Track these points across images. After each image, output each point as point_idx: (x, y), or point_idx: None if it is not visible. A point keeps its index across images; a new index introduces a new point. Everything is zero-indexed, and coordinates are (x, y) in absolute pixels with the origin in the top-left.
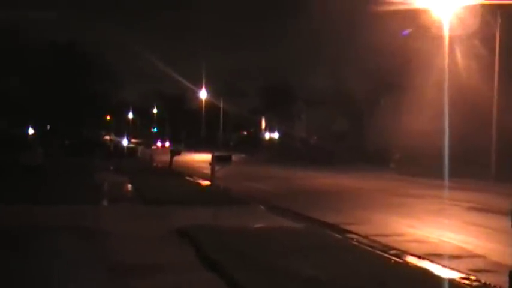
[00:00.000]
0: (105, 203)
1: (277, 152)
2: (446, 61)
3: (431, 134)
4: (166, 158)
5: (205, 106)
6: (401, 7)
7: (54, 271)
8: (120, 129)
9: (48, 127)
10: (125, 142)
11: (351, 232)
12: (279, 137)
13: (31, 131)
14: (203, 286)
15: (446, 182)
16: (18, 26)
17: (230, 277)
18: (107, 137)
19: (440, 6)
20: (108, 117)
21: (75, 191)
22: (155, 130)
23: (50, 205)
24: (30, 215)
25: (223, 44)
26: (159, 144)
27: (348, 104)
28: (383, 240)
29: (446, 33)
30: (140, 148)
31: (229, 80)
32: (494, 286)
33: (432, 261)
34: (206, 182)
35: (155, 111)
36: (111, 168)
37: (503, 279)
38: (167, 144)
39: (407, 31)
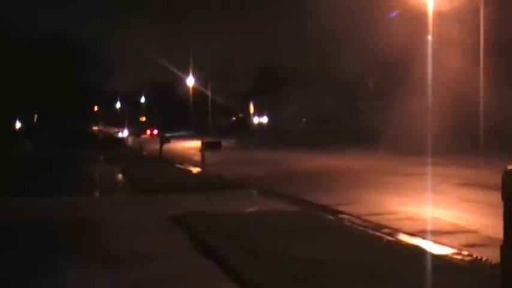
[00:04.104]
0: (96, 193)
1: (266, 136)
2: (430, 39)
3: (421, 112)
4: (157, 146)
5: (193, 92)
6: None
7: (49, 261)
8: (109, 119)
9: (35, 119)
10: (124, 134)
11: (343, 213)
12: (267, 121)
13: (18, 124)
14: (199, 273)
15: (436, 159)
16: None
17: (226, 263)
18: (95, 128)
19: None
20: (96, 108)
21: (66, 182)
22: (143, 119)
23: (39, 197)
24: (20, 207)
25: (211, 29)
26: (148, 132)
27: (337, 85)
28: (375, 219)
29: (430, 9)
30: (130, 137)
31: (217, 66)
32: (486, 260)
33: (424, 238)
34: (197, 169)
35: (143, 100)
36: (101, 158)
37: (496, 254)
38: (155, 132)
39: (394, 13)
